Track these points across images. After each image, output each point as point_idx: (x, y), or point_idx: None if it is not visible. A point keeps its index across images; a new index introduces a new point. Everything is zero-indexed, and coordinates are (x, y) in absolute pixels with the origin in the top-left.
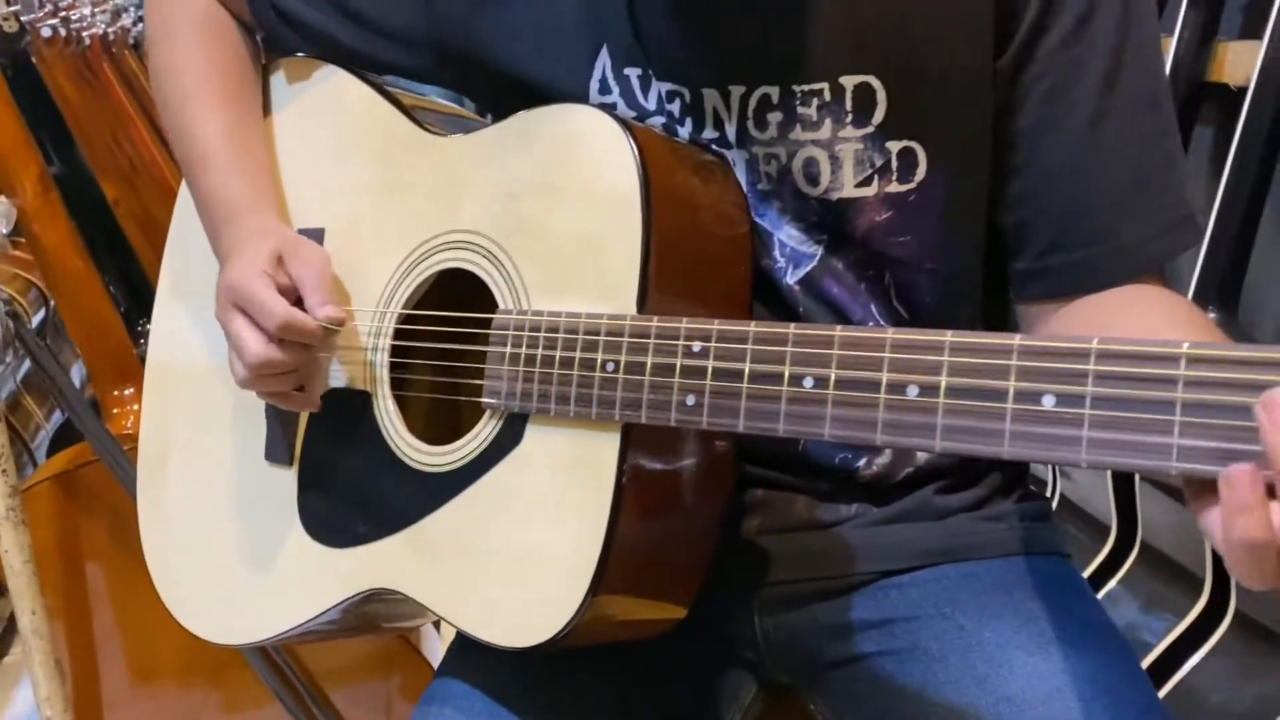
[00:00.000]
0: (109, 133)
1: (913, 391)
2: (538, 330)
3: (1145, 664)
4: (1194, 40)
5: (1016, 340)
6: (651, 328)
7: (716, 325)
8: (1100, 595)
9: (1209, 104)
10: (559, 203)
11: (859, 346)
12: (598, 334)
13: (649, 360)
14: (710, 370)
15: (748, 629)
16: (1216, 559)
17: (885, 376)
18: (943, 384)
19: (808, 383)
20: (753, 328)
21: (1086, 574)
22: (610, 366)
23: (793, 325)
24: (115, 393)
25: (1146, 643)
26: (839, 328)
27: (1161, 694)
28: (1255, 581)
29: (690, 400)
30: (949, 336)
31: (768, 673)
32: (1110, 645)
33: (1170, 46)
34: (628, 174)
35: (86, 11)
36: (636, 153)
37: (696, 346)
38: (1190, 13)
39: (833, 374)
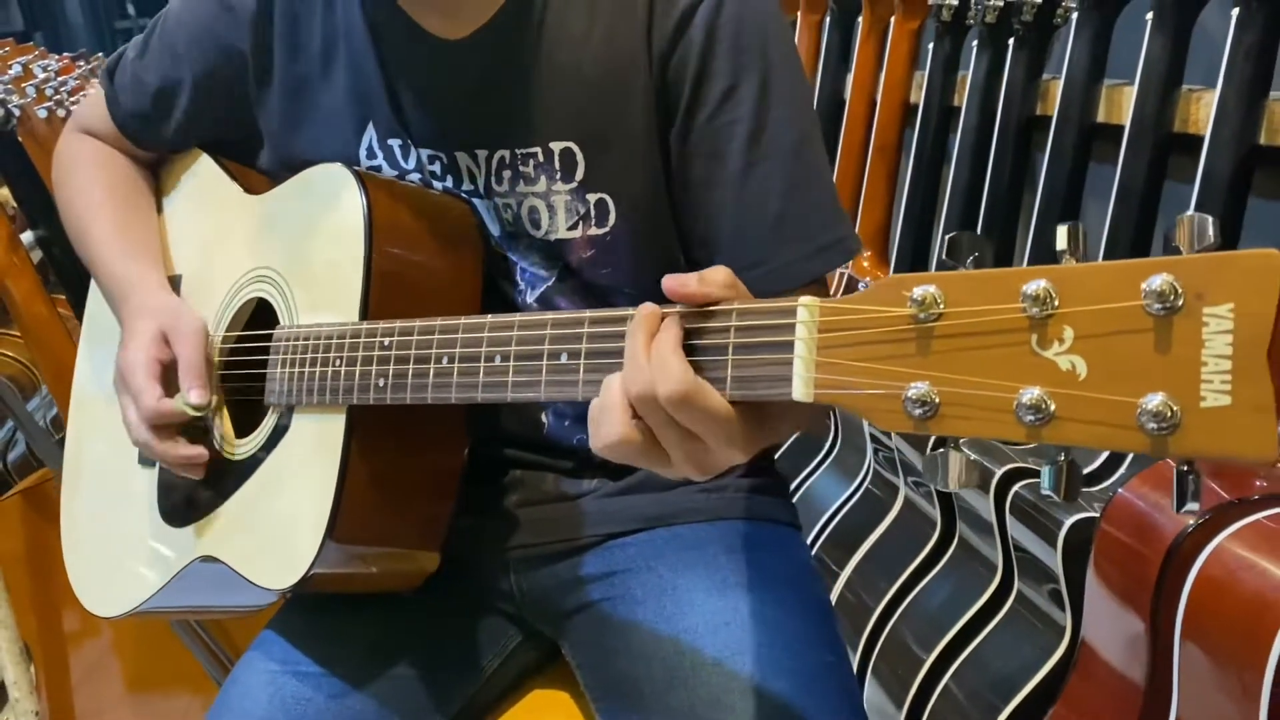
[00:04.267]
0: None
1: (498, 359)
2: (297, 339)
3: (947, 639)
4: (1081, 83)
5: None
6: (362, 329)
7: (399, 324)
8: (924, 583)
9: (1099, 143)
10: (317, 240)
11: (472, 330)
12: (331, 339)
13: (359, 355)
14: (393, 358)
15: (505, 586)
16: (1006, 550)
17: (484, 350)
18: (512, 351)
19: (445, 361)
20: (417, 322)
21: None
22: (337, 363)
23: (439, 319)
24: None
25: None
26: (464, 318)
27: (957, 661)
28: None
29: (381, 382)
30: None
31: (528, 624)
32: (786, 589)
33: (1059, 88)
34: (357, 217)
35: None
36: (365, 201)
37: (387, 341)
38: (1077, 56)
39: (458, 351)
